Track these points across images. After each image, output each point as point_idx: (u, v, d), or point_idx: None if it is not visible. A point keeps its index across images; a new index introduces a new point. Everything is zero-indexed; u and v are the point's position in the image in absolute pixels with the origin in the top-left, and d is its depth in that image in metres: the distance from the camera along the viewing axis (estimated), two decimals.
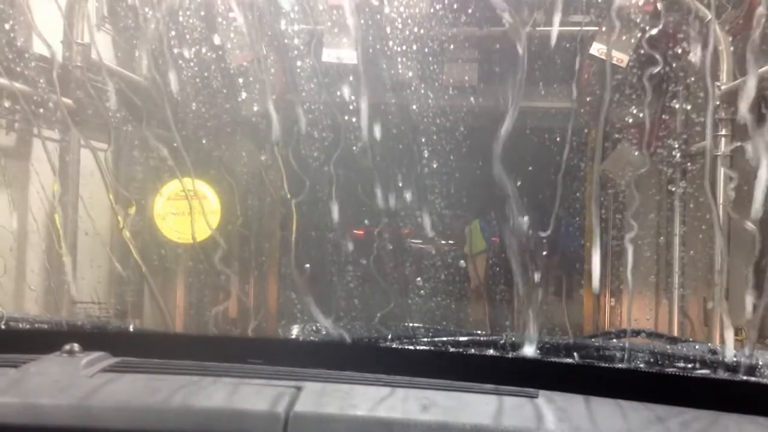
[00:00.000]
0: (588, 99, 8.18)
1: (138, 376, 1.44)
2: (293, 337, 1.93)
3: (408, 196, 15.25)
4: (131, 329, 1.97)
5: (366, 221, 15.17)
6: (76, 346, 1.47)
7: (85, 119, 6.39)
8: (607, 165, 8.45)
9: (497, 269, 14.69)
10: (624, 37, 7.27)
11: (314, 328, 1.91)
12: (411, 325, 1.86)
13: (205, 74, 8.19)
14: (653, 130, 8.06)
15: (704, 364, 1.52)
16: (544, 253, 15.69)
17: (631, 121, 8.10)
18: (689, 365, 1.53)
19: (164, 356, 1.56)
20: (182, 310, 8.43)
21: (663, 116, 7.98)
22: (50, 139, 6.22)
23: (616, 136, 8.55)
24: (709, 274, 6.69)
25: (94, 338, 1.61)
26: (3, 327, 1.75)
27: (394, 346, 1.62)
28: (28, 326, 1.78)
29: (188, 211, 7.92)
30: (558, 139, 11.12)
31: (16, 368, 1.43)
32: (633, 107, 8.01)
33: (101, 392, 1.36)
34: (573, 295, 13.84)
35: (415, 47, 8.32)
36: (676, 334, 7.45)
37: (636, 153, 8.11)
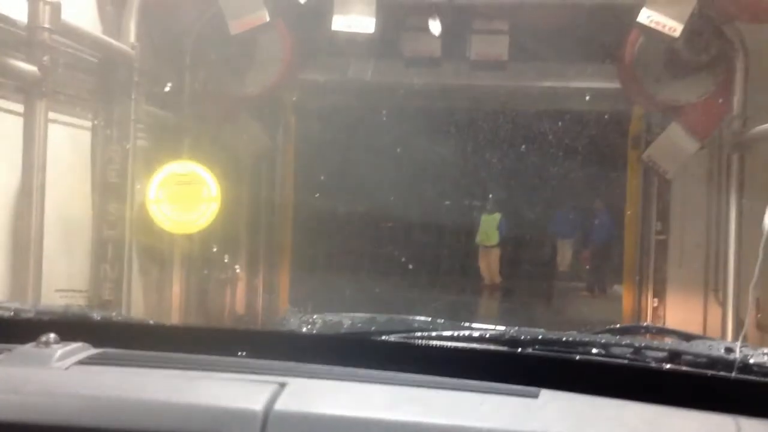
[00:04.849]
0: (634, 76, 8.15)
1: (115, 369, 1.52)
2: (283, 329, 2.02)
3: (427, 183, 15.39)
4: (115, 319, 2.05)
5: (371, 210, 15.41)
6: (52, 337, 1.55)
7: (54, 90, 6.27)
8: (653, 151, 8.43)
9: (511, 263, 14.99)
10: (677, 3, 7.18)
11: (310, 320, 1.99)
12: (405, 317, 1.94)
13: (204, 44, 8.24)
14: (706, 111, 8.00)
15: (719, 363, 1.58)
16: (573, 246, 15.87)
17: (681, 101, 8.05)
18: (702, 364, 1.60)
19: (149, 348, 1.65)
20: (181, 309, 8.55)
21: (718, 95, 7.91)
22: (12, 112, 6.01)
23: (664, 118, 8.52)
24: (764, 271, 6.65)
25: (76, 328, 1.69)
26: None
27: (387, 339, 1.70)
28: (3, 315, 1.88)
29: (183, 198, 8.02)
30: (598, 122, 11.12)
31: None
32: (684, 85, 7.97)
33: (70, 385, 1.42)
34: (610, 294, 13.92)
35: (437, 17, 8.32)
36: (729, 338, 7.43)
37: (686, 137, 8.07)
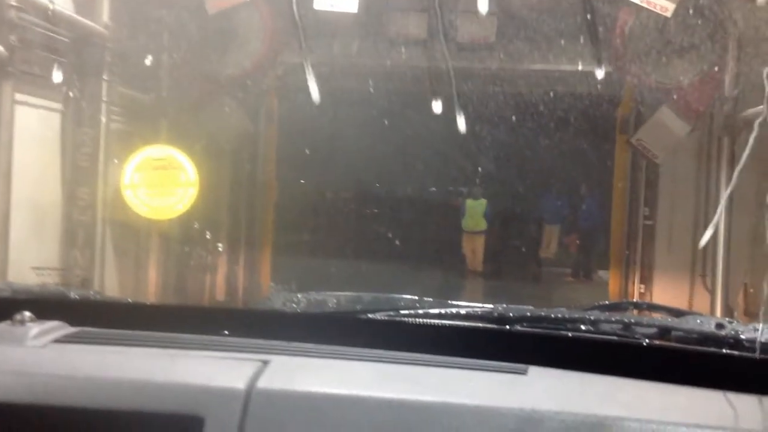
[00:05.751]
0: (624, 57, 8.16)
1: (92, 347, 1.51)
2: (265, 307, 2.02)
3: (409, 165, 15.42)
4: (93, 298, 2.04)
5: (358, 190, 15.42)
6: (27, 315, 1.55)
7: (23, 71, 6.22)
8: (642, 134, 8.46)
9: (496, 249, 15.16)
10: None
11: (294, 299, 1.99)
12: (392, 295, 1.95)
13: (182, 23, 8.17)
14: (697, 93, 8.04)
15: (709, 339, 1.61)
16: (560, 231, 16.04)
17: (672, 82, 8.07)
18: (693, 340, 1.62)
19: (128, 327, 1.64)
20: (158, 296, 8.51)
21: (709, 77, 7.94)
22: None
23: (654, 100, 8.54)
24: (752, 257, 6.73)
25: (53, 307, 1.69)
26: None
27: (372, 317, 1.71)
28: None
29: (160, 183, 7.97)
30: (586, 105, 11.18)
31: None
32: (675, 66, 8.00)
33: (47, 364, 1.42)
34: (595, 279, 14.10)
35: None
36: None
37: (676, 120, 8.11)
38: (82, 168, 7.24)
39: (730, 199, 7.62)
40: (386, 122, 12.61)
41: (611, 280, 9.76)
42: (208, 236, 9.45)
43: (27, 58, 6.29)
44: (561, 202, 16.03)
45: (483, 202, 15.03)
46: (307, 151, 11.79)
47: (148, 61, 7.96)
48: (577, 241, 15.50)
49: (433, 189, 17.15)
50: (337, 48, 9.04)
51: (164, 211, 8.10)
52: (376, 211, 15.73)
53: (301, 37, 7.80)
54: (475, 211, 15.01)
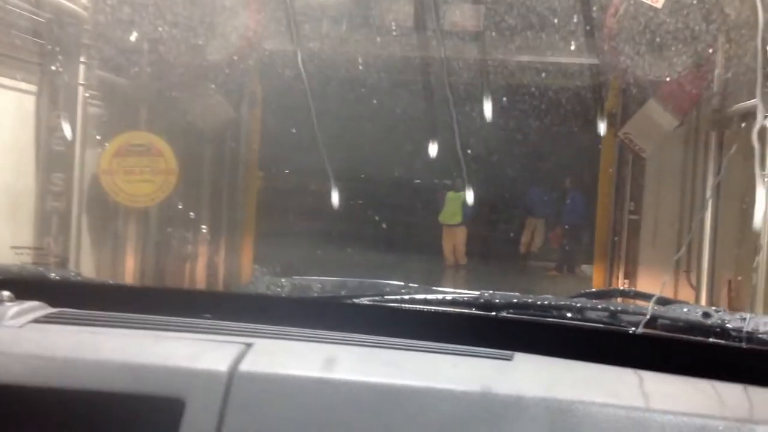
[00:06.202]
0: (612, 50, 8.20)
1: (72, 328, 1.51)
2: (249, 291, 2.02)
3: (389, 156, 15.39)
4: (74, 279, 2.04)
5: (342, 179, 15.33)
6: (5, 294, 1.55)
7: None
8: (629, 128, 8.50)
9: (476, 243, 15.16)
10: None
11: (278, 283, 2.00)
12: (377, 281, 1.96)
13: (163, 5, 8.11)
14: (686, 87, 8.09)
15: (696, 328, 1.63)
16: (544, 225, 16.14)
17: (659, 76, 8.12)
18: (679, 329, 1.64)
19: (109, 309, 1.64)
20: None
21: (698, 71, 7.99)
22: None
23: (642, 93, 8.59)
24: (737, 253, 6.79)
25: (32, 288, 1.69)
26: None
27: (357, 302, 1.72)
28: None
29: (140, 170, 7.93)
30: (572, 98, 11.23)
31: None
32: (663, 60, 8.04)
33: (26, 344, 1.42)
34: (578, 274, 14.15)
35: None
36: None
37: (664, 114, 8.16)
38: (54, 152, 7.19)
39: (717, 194, 7.69)
40: (371, 110, 12.61)
41: (595, 274, 9.79)
42: (191, 217, 9.40)
43: (1, 38, 6.23)
44: (546, 196, 16.05)
45: (461, 194, 14.94)
46: (293, 130, 11.73)
47: (128, 43, 7.90)
48: (562, 235, 15.55)
49: (418, 181, 17.13)
50: (322, 33, 9.02)
51: (142, 199, 8.06)
52: (360, 202, 15.69)
53: (292, 22, 7.78)
54: (453, 203, 14.91)
